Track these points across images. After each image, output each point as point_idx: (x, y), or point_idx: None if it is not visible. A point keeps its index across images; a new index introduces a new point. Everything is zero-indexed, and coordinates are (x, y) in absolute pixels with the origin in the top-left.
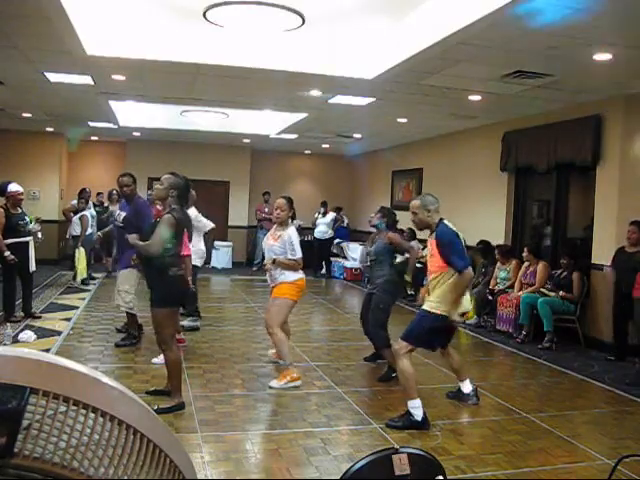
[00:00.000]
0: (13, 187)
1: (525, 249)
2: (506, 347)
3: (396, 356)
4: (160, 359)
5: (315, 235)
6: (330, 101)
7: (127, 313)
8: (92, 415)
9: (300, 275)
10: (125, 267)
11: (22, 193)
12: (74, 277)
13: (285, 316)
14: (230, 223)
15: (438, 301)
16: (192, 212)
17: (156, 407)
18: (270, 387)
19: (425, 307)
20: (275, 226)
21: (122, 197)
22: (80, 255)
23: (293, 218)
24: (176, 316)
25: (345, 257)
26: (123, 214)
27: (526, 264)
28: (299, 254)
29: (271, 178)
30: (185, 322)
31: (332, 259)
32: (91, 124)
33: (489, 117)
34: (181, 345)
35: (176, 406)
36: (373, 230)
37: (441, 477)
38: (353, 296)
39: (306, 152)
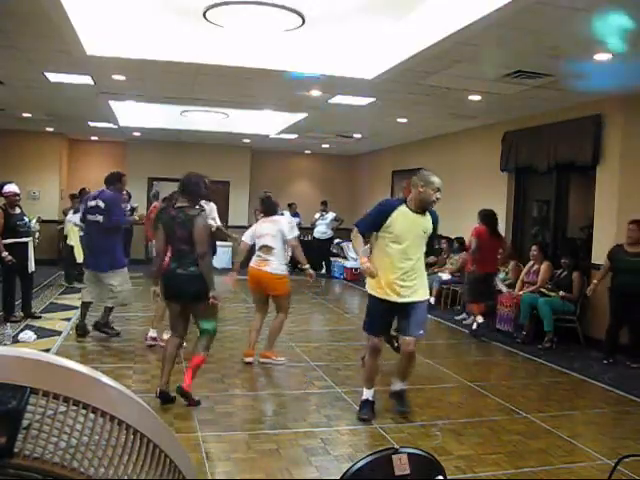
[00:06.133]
0: (8, 188)
1: (535, 246)
2: (506, 347)
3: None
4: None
5: (314, 235)
6: (330, 101)
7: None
8: (92, 415)
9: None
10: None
11: (18, 194)
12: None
13: None
14: (230, 223)
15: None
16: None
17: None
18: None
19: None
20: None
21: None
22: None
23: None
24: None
25: (345, 257)
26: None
27: (530, 263)
28: None
29: (271, 178)
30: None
31: (332, 259)
32: (91, 124)
33: (489, 117)
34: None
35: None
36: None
37: (441, 477)
38: (353, 296)
39: (306, 152)
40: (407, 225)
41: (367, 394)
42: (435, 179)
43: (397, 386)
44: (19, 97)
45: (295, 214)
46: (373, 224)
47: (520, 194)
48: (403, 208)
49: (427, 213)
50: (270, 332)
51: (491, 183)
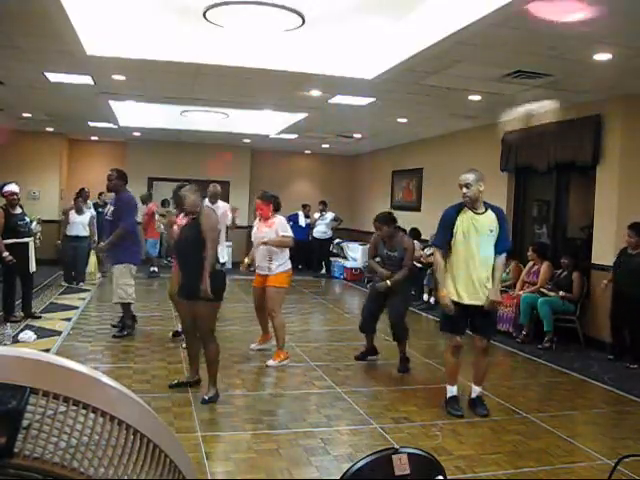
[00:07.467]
0: (7, 187)
1: (530, 248)
2: (506, 347)
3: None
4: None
5: (314, 235)
6: (330, 101)
7: (123, 305)
8: (92, 415)
9: (290, 265)
10: (121, 262)
11: (16, 194)
12: (74, 278)
13: (283, 301)
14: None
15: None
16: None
17: (206, 397)
18: (267, 366)
19: None
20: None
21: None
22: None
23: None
24: (218, 310)
25: (345, 257)
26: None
27: (530, 263)
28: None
29: (271, 178)
30: None
31: (332, 259)
32: (91, 124)
33: (489, 117)
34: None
35: (216, 395)
36: (372, 231)
37: (441, 477)
38: (353, 296)
39: (306, 152)
40: (468, 226)
41: (452, 390)
42: (462, 176)
43: (476, 392)
44: (19, 97)
45: (306, 216)
46: (445, 234)
47: (520, 194)
48: (464, 210)
49: (489, 210)
50: None
51: (491, 183)
